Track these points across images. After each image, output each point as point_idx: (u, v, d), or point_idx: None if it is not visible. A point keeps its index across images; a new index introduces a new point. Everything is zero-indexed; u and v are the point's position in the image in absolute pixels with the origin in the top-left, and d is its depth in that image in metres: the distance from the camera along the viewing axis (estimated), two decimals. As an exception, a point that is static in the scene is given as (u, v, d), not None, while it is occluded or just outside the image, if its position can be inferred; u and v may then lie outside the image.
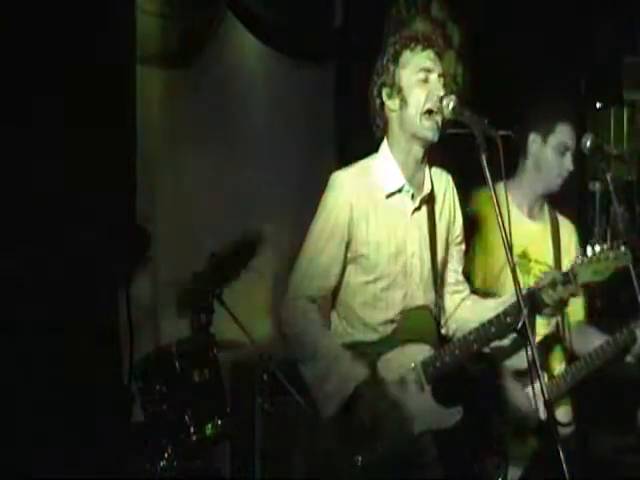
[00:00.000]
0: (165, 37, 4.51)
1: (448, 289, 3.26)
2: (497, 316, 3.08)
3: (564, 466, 2.65)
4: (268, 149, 5.14)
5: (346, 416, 2.97)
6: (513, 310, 3.02)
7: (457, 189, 3.33)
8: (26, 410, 2.87)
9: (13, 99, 2.78)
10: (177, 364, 4.04)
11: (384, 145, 3.14)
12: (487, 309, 3.16)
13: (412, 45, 3.04)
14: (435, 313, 3.18)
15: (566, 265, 3.76)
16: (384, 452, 2.98)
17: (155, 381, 4.02)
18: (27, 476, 2.85)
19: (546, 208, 3.82)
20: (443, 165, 3.26)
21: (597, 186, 5.57)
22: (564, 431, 3.48)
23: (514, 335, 3.13)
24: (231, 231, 4.91)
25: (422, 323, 3.13)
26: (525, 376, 3.60)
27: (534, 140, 3.70)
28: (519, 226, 3.49)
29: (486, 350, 3.21)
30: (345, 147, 5.10)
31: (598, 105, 5.64)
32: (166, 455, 3.95)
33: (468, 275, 3.41)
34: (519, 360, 3.61)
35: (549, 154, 3.69)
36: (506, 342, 3.17)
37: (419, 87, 3.03)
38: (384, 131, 3.13)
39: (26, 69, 2.79)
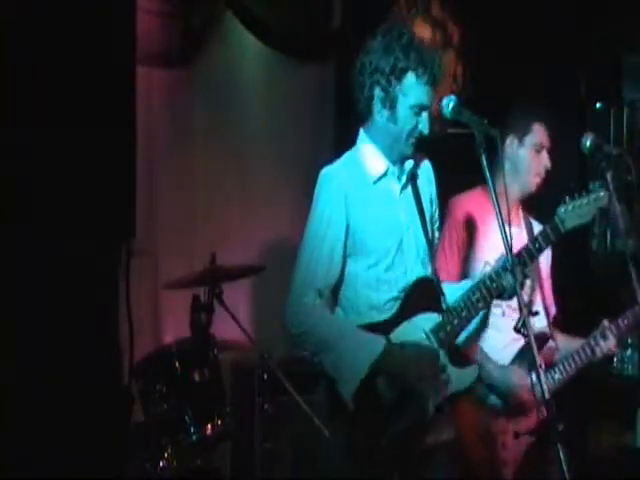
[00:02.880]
0: (165, 36, 4.51)
1: None
2: (496, 271, 3.17)
3: (564, 466, 2.65)
4: (268, 149, 5.14)
5: (369, 396, 3.00)
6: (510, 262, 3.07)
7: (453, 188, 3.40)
8: (25, 410, 2.87)
9: (12, 99, 2.78)
10: (177, 364, 4.03)
11: (362, 134, 3.22)
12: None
13: (420, 71, 3.06)
14: (436, 281, 3.23)
15: (542, 266, 3.92)
16: (406, 427, 3.02)
17: (155, 381, 4.01)
18: (26, 476, 2.85)
19: (521, 213, 3.88)
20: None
21: (597, 186, 5.57)
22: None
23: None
24: (232, 231, 4.92)
25: (426, 293, 3.18)
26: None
27: (511, 142, 3.77)
28: (496, 229, 3.53)
29: None
30: (345, 147, 5.10)
31: (598, 105, 5.63)
32: (166, 455, 3.95)
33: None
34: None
35: (526, 154, 3.77)
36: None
37: (411, 117, 3.09)
38: (366, 120, 3.20)
39: (24, 69, 2.79)
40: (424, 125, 3.10)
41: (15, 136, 2.78)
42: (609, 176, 3.60)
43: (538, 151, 3.79)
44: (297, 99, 5.29)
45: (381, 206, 3.16)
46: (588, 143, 3.65)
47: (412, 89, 3.07)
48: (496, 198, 2.85)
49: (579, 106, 5.60)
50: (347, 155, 3.25)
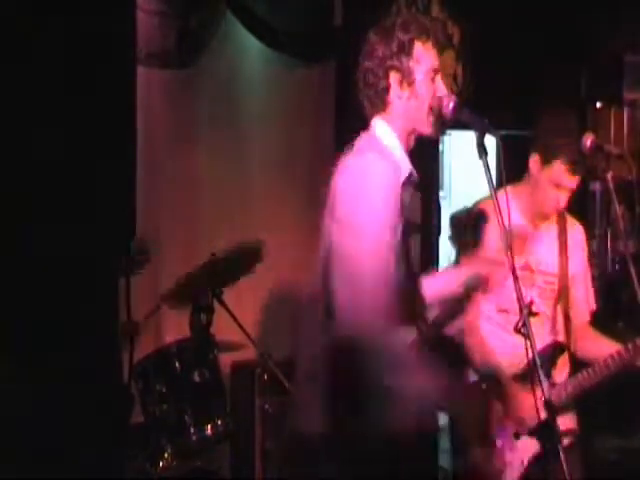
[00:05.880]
0: (165, 37, 4.51)
1: None
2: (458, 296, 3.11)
3: (564, 466, 2.65)
4: (267, 148, 5.14)
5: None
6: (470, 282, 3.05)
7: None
8: (25, 410, 2.87)
9: (11, 99, 2.78)
10: (177, 364, 4.04)
11: (385, 127, 3.06)
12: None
13: (423, 38, 3.06)
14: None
15: (572, 272, 3.69)
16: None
17: (155, 381, 4.02)
18: (26, 476, 2.84)
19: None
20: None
21: (597, 186, 5.58)
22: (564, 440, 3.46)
23: None
24: (232, 231, 4.92)
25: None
26: (525, 379, 3.62)
27: (534, 161, 3.60)
28: (521, 235, 3.47)
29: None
30: (345, 147, 5.10)
31: (598, 105, 5.64)
32: (166, 455, 3.95)
33: None
34: (516, 363, 3.64)
35: (545, 185, 3.58)
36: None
37: (429, 85, 3.05)
38: (384, 112, 3.10)
39: (24, 69, 2.79)
40: (441, 88, 3.03)
41: (15, 136, 2.78)
42: (609, 176, 3.59)
43: (557, 185, 3.56)
44: (297, 99, 5.29)
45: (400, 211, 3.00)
46: (588, 143, 3.62)
47: (422, 55, 3.04)
48: (498, 203, 2.81)
49: (579, 106, 5.60)
50: (370, 144, 3.05)
